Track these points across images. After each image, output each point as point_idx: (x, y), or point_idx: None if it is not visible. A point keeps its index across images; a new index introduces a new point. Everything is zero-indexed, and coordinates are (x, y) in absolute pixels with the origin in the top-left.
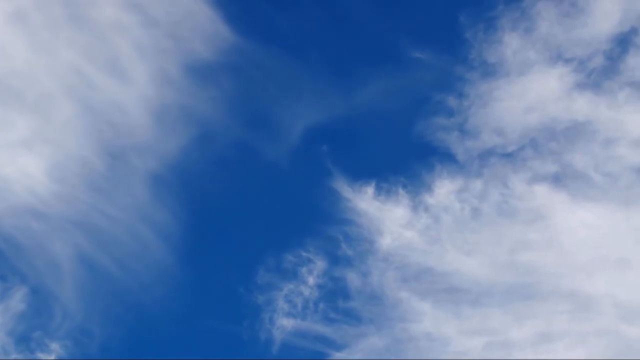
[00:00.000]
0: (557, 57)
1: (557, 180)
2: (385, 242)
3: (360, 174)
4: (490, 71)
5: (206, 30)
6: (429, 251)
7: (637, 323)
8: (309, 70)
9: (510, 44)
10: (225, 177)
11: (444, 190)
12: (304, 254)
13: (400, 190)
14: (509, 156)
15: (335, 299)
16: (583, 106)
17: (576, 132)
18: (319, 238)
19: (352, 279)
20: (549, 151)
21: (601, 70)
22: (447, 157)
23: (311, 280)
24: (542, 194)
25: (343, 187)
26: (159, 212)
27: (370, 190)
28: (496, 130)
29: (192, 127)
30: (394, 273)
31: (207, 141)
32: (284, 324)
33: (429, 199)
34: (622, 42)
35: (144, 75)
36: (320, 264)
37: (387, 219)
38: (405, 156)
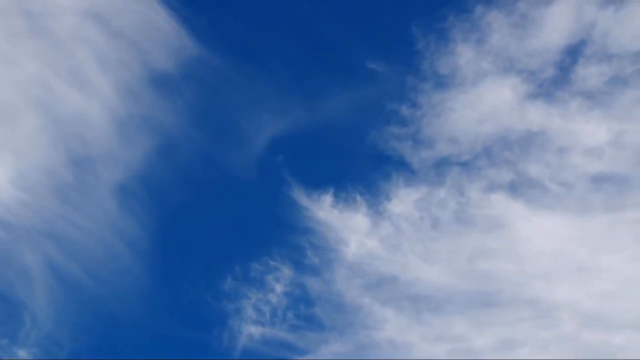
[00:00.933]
0: (510, 67)
1: (513, 188)
2: (348, 250)
3: (318, 183)
4: (443, 82)
5: (170, 42)
6: (390, 259)
7: (598, 329)
8: (270, 82)
9: (463, 55)
10: (190, 187)
11: (402, 199)
12: (271, 262)
13: (359, 199)
14: (464, 165)
15: (300, 307)
16: (536, 116)
17: (530, 141)
18: (285, 247)
19: (317, 286)
20: (504, 160)
21: (553, 80)
22: (403, 166)
23: (278, 289)
24: (499, 202)
25: (302, 197)
26: (127, 221)
27: (328, 199)
28: (450, 139)
29: (156, 138)
30: (356, 281)
31: (172, 151)
32: (252, 332)
33: (388, 208)
34: (572, 53)
35: (107, 87)
36: (286, 272)
37: (348, 227)
38: (362, 166)
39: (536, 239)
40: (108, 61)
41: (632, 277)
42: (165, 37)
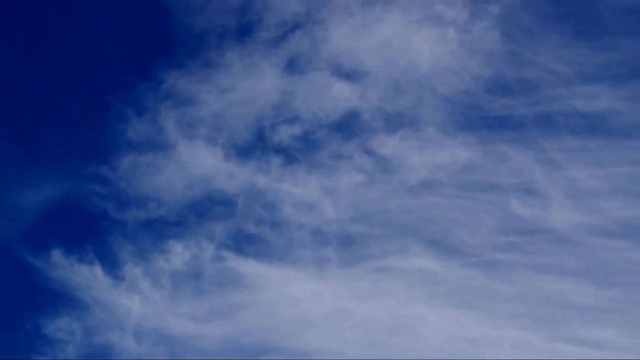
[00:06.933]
0: (212, 131)
1: (237, 246)
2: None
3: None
4: (143, 147)
5: None
6: (147, 315)
7: None
8: (32, 160)
9: (161, 122)
10: None
11: (128, 258)
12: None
13: (95, 259)
14: (177, 225)
15: None
16: (243, 176)
17: (240, 200)
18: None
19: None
20: (217, 219)
21: (254, 142)
22: (117, 225)
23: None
24: (229, 259)
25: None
26: None
27: (60, 258)
28: (158, 201)
29: None
30: (125, 336)
31: None
32: None
33: (120, 266)
34: (268, 117)
35: None
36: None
37: (94, 287)
38: (81, 227)
39: (279, 292)
40: None
41: (389, 324)
42: None
